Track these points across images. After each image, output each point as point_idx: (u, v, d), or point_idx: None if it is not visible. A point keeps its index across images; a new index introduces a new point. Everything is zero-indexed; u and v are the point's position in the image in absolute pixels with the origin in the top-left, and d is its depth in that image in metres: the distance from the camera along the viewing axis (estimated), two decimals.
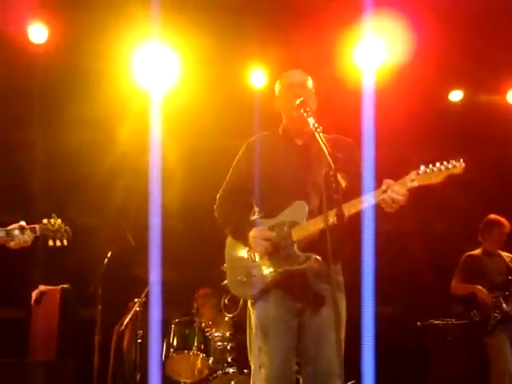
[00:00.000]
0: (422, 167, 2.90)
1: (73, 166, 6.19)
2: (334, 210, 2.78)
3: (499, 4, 5.59)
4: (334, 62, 6.07)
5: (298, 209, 3.15)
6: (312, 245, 3.07)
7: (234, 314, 5.15)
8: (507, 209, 5.95)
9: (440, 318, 6.51)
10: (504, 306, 5.45)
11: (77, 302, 5.97)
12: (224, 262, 3.42)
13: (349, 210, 2.89)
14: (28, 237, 3.45)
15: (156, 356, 5.15)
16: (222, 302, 5.15)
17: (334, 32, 5.78)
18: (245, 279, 3.19)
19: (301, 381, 3.20)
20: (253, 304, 3.22)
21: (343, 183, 2.77)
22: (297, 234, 3.10)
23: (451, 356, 6.29)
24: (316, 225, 3.05)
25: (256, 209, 3.37)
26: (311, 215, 3.11)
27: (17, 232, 3.42)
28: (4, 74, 5.70)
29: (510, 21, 5.67)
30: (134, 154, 5.90)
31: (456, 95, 7.00)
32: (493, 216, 5.79)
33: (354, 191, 3.02)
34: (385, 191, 2.91)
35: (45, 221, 3.57)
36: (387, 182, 2.94)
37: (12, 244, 3.43)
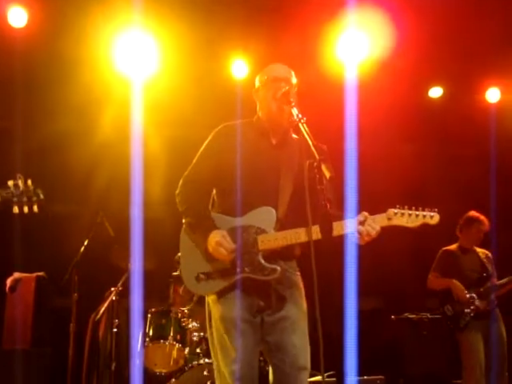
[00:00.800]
0: (397, 209, 2.95)
1: (53, 153, 6.12)
2: (316, 226, 2.78)
3: (480, 1, 5.64)
4: (316, 55, 6.08)
5: (265, 215, 3.07)
6: (275, 252, 3.05)
7: (189, 306, 5.16)
8: (485, 205, 6.02)
9: (415, 312, 6.59)
10: (477, 302, 5.52)
11: (52, 290, 5.92)
12: (177, 251, 3.29)
13: (336, 231, 2.85)
14: None
15: (136, 346, 5.14)
16: (171, 293, 5.09)
17: (317, 24, 5.78)
18: (202, 276, 3.09)
19: (270, 375, 3.14)
20: (213, 302, 3.14)
21: (327, 174, 2.72)
22: (264, 244, 3.03)
23: (426, 349, 6.37)
24: (287, 239, 3.00)
25: (216, 201, 3.25)
26: (278, 224, 3.06)
27: None
28: None
29: (491, 18, 5.72)
30: (115, 142, 5.86)
31: (436, 92, 7.06)
32: (473, 213, 5.81)
33: (338, 183, 3.02)
34: (361, 223, 2.93)
35: (9, 182, 3.03)
36: (364, 214, 2.95)
37: None
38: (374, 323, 6.65)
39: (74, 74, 5.78)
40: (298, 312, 3.09)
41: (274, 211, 3.06)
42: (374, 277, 6.78)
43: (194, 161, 3.27)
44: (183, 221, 3.21)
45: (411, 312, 6.59)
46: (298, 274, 3.19)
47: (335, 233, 2.86)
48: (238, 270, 3.04)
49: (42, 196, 3.05)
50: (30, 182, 3.05)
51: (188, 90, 6.12)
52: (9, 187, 3.01)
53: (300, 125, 2.88)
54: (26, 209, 3.02)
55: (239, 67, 6.43)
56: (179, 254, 3.26)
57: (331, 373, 4.56)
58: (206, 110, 5.98)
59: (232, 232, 3.07)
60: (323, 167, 2.71)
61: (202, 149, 3.27)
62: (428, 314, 6.53)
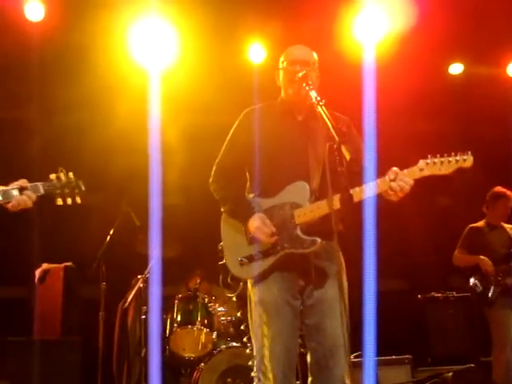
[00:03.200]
0: (430, 157, 2.92)
1: (71, 144, 6.16)
2: (339, 195, 2.78)
3: None
4: (333, 35, 6.02)
5: (298, 189, 3.10)
6: (313, 226, 3.05)
7: (237, 292, 5.18)
8: (508, 182, 5.95)
9: (441, 291, 6.56)
10: (506, 278, 5.48)
11: (80, 279, 5.99)
12: (220, 240, 3.32)
13: (356, 196, 2.88)
14: (28, 197, 2.96)
15: (156, 332, 5.18)
16: (221, 281, 5.13)
17: (333, 5, 5.72)
18: (245, 260, 3.13)
19: (308, 357, 3.17)
20: (254, 285, 3.17)
21: (347, 156, 2.72)
22: (300, 218, 3.06)
23: (452, 328, 6.35)
24: (321, 209, 3.00)
25: (249, 185, 3.29)
26: (313, 196, 3.08)
27: (15, 192, 2.95)
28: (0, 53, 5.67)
29: None
30: (133, 131, 5.87)
31: (456, 68, 6.97)
32: (499, 188, 5.76)
33: (358, 164, 3.01)
34: (393, 180, 2.91)
35: (52, 176, 3.09)
36: (394, 170, 2.93)
37: (10, 206, 2.96)
38: (401, 303, 6.63)
39: (91, 65, 5.81)
40: (336, 293, 3.05)
41: (306, 184, 3.09)
42: (400, 258, 6.77)
43: (224, 147, 3.31)
44: (221, 209, 3.26)
45: (437, 291, 6.56)
46: (340, 253, 3.18)
47: (360, 197, 2.89)
48: (279, 247, 3.07)
49: (83, 187, 3.15)
50: (71, 174, 3.13)
51: (205, 77, 6.11)
52: (51, 180, 3.09)
53: (319, 107, 2.88)
54: (69, 200, 3.11)
55: (256, 51, 6.41)
56: (221, 243, 3.31)
57: (357, 353, 4.57)
58: (223, 97, 5.97)
59: (269, 212, 3.11)
60: (343, 149, 2.72)
61: (230, 135, 3.31)
62: (454, 293, 6.51)
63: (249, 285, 3.24)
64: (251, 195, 3.24)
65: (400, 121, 6.11)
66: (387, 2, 5.76)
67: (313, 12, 5.69)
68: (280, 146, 3.16)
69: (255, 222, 3.07)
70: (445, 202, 7.50)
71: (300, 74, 3.11)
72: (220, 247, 3.36)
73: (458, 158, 2.92)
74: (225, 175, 3.27)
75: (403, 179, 2.90)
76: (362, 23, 6.01)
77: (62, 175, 3.12)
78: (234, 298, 5.30)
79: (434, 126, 6.30)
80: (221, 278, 4.85)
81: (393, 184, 2.90)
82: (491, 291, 5.47)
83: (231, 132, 3.31)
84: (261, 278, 3.11)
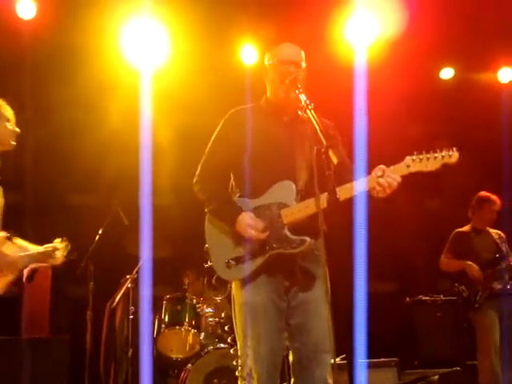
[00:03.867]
0: (416, 154, 2.91)
1: (63, 144, 6.15)
2: (326, 194, 2.77)
3: None
4: (325, 38, 6.03)
5: (284, 189, 3.08)
6: (301, 225, 3.04)
7: (224, 295, 5.18)
8: (497, 186, 5.99)
9: (429, 294, 6.59)
10: (492, 283, 5.51)
11: (69, 279, 5.97)
12: (205, 243, 3.26)
13: (341, 195, 2.86)
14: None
15: (147, 332, 5.19)
16: (205, 283, 5.09)
17: (326, 7, 5.74)
18: (232, 262, 3.09)
19: (290, 356, 3.17)
20: (239, 286, 3.14)
21: (335, 160, 2.74)
22: (287, 217, 3.04)
23: (439, 332, 6.38)
24: (309, 208, 2.99)
25: (234, 185, 3.26)
26: (298, 195, 3.07)
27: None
28: None
29: None
30: (125, 131, 5.87)
31: (447, 73, 7.00)
32: (484, 193, 5.80)
33: (345, 168, 3.03)
34: (380, 176, 2.91)
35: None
36: (381, 167, 2.93)
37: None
38: (388, 306, 6.66)
39: (83, 64, 5.79)
40: (322, 294, 3.08)
41: (292, 184, 3.08)
42: (388, 260, 6.79)
43: (209, 148, 3.27)
44: (206, 210, 3.22)
45: (425, 294, 6.59)
46: (324, 254, 3.13)
47: (348, 195, 2.90)
48: (267, 247, 3.05)
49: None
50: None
51: (197, 77, 6.10)
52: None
53: (308, 111, 2.87)
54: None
55: (248, 52, 6.41)
56: (206, 245, 3.26)
57: (343, 356, 4.58)
58: (215, 98, 5.96)
59: (256, 213, 3.09)
60: (330, 153, 2.72)
61: (214, 135, 3.27)
62: (441, 296, 6.54)
63: (233, 286, 3.21)
64: (236, 196, 3.22)
65: (391, 124, 6.12)
66: (378, 6, 5.78)
67: (305, 14, 5.70)
68: (266, 145, 3.14)
69: (244, 220, 3.05)
70: (435, 206, 7.54)
71: (291, 77, 3.09)
72: (205, 249, 3.29)
73: (443, 153, 2.92)
74: (210, 176, 3.22)
75: (390, 175, 2.91)
76: (354, 26, 6.04)
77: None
78: (219, 300, 5.30)
79: (424, 130, 6.31)
80: (205, 280, 4.82)
81: (380, 180, 2.90)
82: (478, 296, 5.50)
83: (216, 132, 3.27)
84: (247, 280, 3.09)
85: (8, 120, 3.58)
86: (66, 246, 3.72)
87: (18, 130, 3.60)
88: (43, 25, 5.67)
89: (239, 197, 3.19)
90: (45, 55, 5.77)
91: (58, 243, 3.66)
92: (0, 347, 5.25)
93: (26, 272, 5.82)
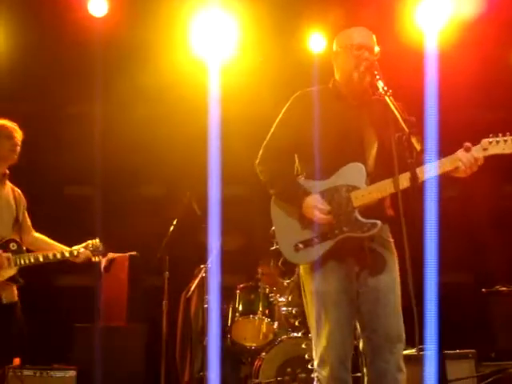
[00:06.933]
0: (492, 136, 2.86)
1: (134, 137, 6.27)
2: (406, 173, 2.74)
3: None
4: (394, 24, 5.91)
5: (354, 171, 3.02)
6: (371, 209, 3.00)
7: (292, 279, 5.18)
8: None
9: (506, 285, 6.38)
10: None
11: (145, 268, 6.12)
12: (271, 225, 3.22)
13: (423, 174, 2.83)
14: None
15: (216, 321, 5.24)
16: (274, 267, 5.09)
17: None
18: (300, 245, 3.05)
19: (362, 345, 3.15)
20: (308, 273, 3.11)
21: (418, 147, 2.70)
22: (358, 200, 2.98)
23: None
24: (380, 190, 2.95)
25: (298, 167, 3.22)
26: (369, 179, 3.01)
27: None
28: (64, 48, 5.82)
29: None
30: (194, 124, 5.93)
31: None
32: None
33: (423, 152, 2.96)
34: (467, 151, 2.86)
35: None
36: (468, 144, 2.88)
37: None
38: (464, 297, 6.49)
39: (153, 60, 5.91)
40: (392, 281, 3.05)
41: (362, 166, 3.02)
42: (464, 250, 6.62)
43: (273, 129, 3.24)
44: (270, 191, 3.18)
45: (502, 285, 6.39)
46: (392, 240, 3.14)
47: (429, 174, 2.85)
48: (337, 231, 3.01)
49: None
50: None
51: (265, 68, 6.12)
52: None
53: (387, 98, 2.83)
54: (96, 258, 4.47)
55: (317, 41, 6.35)
56: (273, 227, 3.22)
57: (421, 346, 4.50)
58: (283, 87, 5.92)
59: (323, 195, 3.04)
60: (413, 140, 2.68)
61: (280, 116, 3.24)
62: None
63: (301, 272, 3.18)
64: (301, 177, 3.17)
65: (462, 109, 5.95)
66: None
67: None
68: (334, 127, 3.08)
69: (311, 202, 3.01)
70: None
71: (367, 63, 3.03)
72: (272, 232, 3.26)
73: None
74: (273, 157, 3.17)
75: (474, 154, 2.86)
76: (425, 9, 5.87)
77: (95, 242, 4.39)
78: (286, 284, 5.30)
79: (497, 116, 6.11)
80: (272, 263, 4.81)
81: (468, 155, 2.86)
82: None
83: (281, 114, 3.24)
84: (317, 266, 3.05)
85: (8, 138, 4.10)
86: (94, 245, 4.37)
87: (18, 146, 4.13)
88: (114, 22, 5.80)
89: (305, 178, 3.15)
90: (116, 52, 5.91)
91: (88, 243, 4.36)
92: (78, 335, 5.45)
93: (103, 262, 6.03)
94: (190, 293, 5.82)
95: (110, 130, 6.13)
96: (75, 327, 5.56)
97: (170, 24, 5.82)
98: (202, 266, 5.62)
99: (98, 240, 4.42)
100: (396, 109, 2.77)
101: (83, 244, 4.37)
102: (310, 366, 4.77)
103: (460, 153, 2.89)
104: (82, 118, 6.32)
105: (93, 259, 4.41)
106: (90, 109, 6.18)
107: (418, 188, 2.82)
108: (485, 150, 2.87)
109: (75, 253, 4.29)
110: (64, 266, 4.50)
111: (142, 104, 6.25)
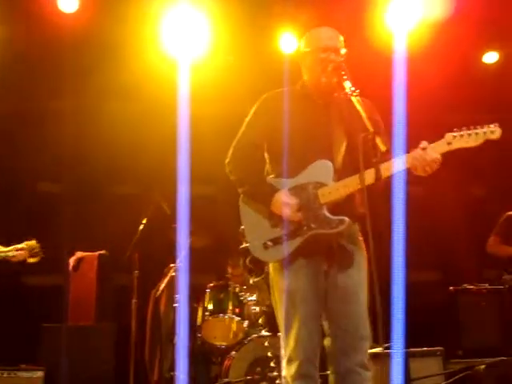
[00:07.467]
0: (456, 131, 2.88)
1: (103, 134, 6.24)
2: (371, 170, 2.77)
3: None
4: (365, 23, 5.95)
5: (321, 168, 3.04)
6: (339, 206, 3.02)
7: (260, 277, 5.19)
8: None
9: (474, 283, 6.48)
10: None
11: (114, 267, 6.08)
12: (240, 224, 3.22)
13: (386, 171, 2.85)
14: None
15: (185, 320, 5.23)
16: (243, 265, 5.11)
17: None
18: (269, 243, 3.06)
19: (328, 342, 3.14)
20: (278, 270, 3.13)
21: (382, 147, 2.72)
22: (325, 197, 3.01)
23: (484, 321, 6.27)
24: (348, 187, 2.98)
25: (268, 166, 3.24)
26: (336, 175, 3.04)
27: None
28: (34, 44, 5.75)
29: None
30: (163, 122, 5.91)
31: (491, 57, 6.82)
32: None
33: (389, 154, 2.99)
34: (423, 149, 2.88)
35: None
36: (424, 142, 2.91)
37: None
38: (432, 295, 6.58)
39: (123, 57, 5.86)
40: (361, 279, 3.07)
41: (329, 163, 3.04)
42: (433, 249, 6.71)
43: (242, 129, 3.25)
44: (239, 191, 3.19)
45: (470, 283, 6.49)
46: (361, 238, 3.16)
47: (388, 172, 2.87)
48: (305, 228, 3.02)
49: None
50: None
51: (236, 67, 6.11)
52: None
53: (353, 98, 2.86)
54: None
55: (287, 41, 6.36)
56: (242, 226, 3.23)
57: (387, 345, 4.55)
58: (254, 87, 5.93)
59: (292, 192, 3.06)
60: (378, 140, 2.70)
61: (248, 117, 3.26)
62: (487, 285, 6.42)
63: (271, 269, 3.20)
64: (271, 176, 3.20)
65: (431, 110, 6.03)
66: None
67: (344, 0, 5.64)
68: (301, 126, 3.10)
69: (280, 199, 3.03)
70: (479, 191, 7.40)
71: (334, 65, 3.06)
72: (241, 230, 3.27)
73: (485, 130, 2.87)
74: (242, 156, 3.19)
75: (430, 152, 2.88)
76: (395, 10, 5.93)
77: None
78: (252, 282, 5.32)
79: (466, 116, 6.20)
80: (241, 262, 4.82)
81: (422, 153, 2.87)
82: None
83: (250, 115, 3.25)
84: (286, 263, 3.07)
85: None
86: (30, 246, 4.36)
87: None
88: (85, 18, 5.75)
89: (275, 177, 3.17)
90: (86, 49, 5.86)
91: (24, 244, 4.35)
92: (47, 334, 5.39)
93: (72, 261, 6.00)
94: (159, 292, 5.80)
95: (81, 128, 6.09)
96: (43, 327, 5.51)
97: (140, 21, 5.78)
98: (171, 265, 5.61)
99: (34, 241, 4.41)
100: (362, 108, 2.80)
101: (20, 245, 4.37)
102: (272, 364, 4.81)
103: (416, 151, 2.91)
104: (54, 116, 6.26)
105: (28, 260, 4.40)
106: (61, 106, 6.13)
107: (383, 185, 2.85)
108: (449, 144, 2.89)
109: (11, 254, 4.32)
110: (32, 265, 4.46)
111: (113, 101, 6.21)
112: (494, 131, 2.87)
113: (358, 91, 2.87)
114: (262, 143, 3.21)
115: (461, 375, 5.30)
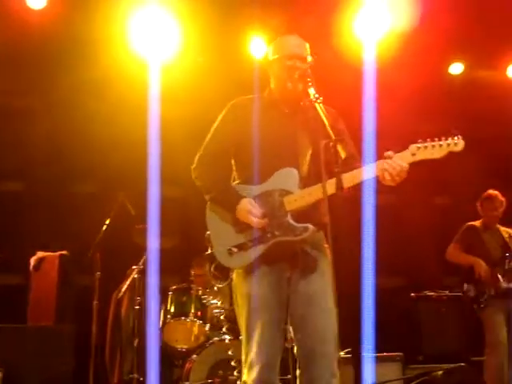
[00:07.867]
0: (420, 142, 2.90)
1: (69, 134, 6.17)
2: (334, 179, 2.77)
3: None
4: (333, 32, 6.00)
5: (287, 176, 3.06)
6: (303, 214, 3.03)
7: (225, 283, 5.18)
8: (507, 183, 5.98)
9: (434, 290, 6.59)
10: (501, 282, 5.49)
11: (75, 268, 6.01)
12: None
13: (349, 181, 2.87)
14: None
15: (154, 323, 5.21)
16: (209, 271, 5.12)
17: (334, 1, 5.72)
18: (234, 249, 3.08)
19: (295, 349, 3.15)
20: (241, 276, 3.14)
21: (343, 154, 2.73)
22: (290, 205, 3.02)
23: (444, 327, 6.38)
24: (312, 195, 2.98)
25: (235, 173, 3.25)
26: (302, 183, 3.05)
27: None
28: (1, 41, 5.66)
29: None
30: (133, 123, 5.87)
31: (456, 68, 6.96)
32: (490, 191, 5.79)
33: (355, 160, 3.03)
34: (388, 158, 2.90)
35: None
36: (389, 152, 2.92)
37: None
38: (394, 301, 6.66)
39: (91, 55, 5.81)
40: (325, 285, 3.07)
41: (295, 170, 3.05)
42: (395, 255, 6.78)
43: (210, 135, 3.26)
44: (206, 197, 3.19)
45: (431, 290, 6.59)
46: (326, 246, 3.16)
47: (354, 181, 2.89)
48: (269, 235, 3.03)
49: None
50: None
51: (206, 70, 6.11)
52: None
53: (316, 105, 2.88)
54: None
55: (257, 45, 6.37)
56: (208, 232, 3.23)
57: (348, 349, 4.59)
58: (224, 90, 5.95)
59: (257, 199, 3.07)
60: (339, 148, 2.72)
61: (216, 123, 3.27)
62: (447, 292, 6.54)
63: (234, 276, 3.20)
64: (237, 182, 3.21)
65: (399, 120, 6.11)
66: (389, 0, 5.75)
67: (313, 7, 5.67)
68: (268, 134, 3.12)
69: (245, 207, 3.04)
70: (444, 202, 7.53)
71: (299, 72, 3.08)
72: (206, 236, 3.25)
73: (449, 141, 2.89)
74: (208, 163, 3.20)
75: (397, 161, 2.89)
76: (363, 20, 5.99)
77: None
78: (216, 289, 5.31)
79: (433, 125, 6.31)
80: (207, 267, 4.81)
81: (388, 162, 2.88)
82: (485, 296, 5.49)
83: (217, 121, 3.26)
84: (249, 270, 3.08)
85: None
86: None
87: None
88: (53, 15, 5.68)
89: (240, 184, 3.18)
90: (54, 45, 5.80)
91: None
92: (6, 335, 5.29)
93: (32, 261, 5.90)
94: (121, 294, 5.75)
95: (48, 126, 6.02)
96: (1, 327, 5.40)
97: (109, 19, 5.72)
98: (133, 267, 5.57)
99: None
100: (325, 116, 2.82)
101: None
102: (233, 364, 4.82)
103: (385, 161, 2.92)
104: (21, 114, 6.17)
105: None
106: (28, 104, 6.05)
107: (346, 195, 2.88)
108: (413, 155, 2.90)
109: None
110: None
111: (80, 100, 6.14)
112: (457, 143, 2.89)
113: (321, 98, 2.89)
114: (228, 150, 3.22)
115: (418, 381, 5.39)
